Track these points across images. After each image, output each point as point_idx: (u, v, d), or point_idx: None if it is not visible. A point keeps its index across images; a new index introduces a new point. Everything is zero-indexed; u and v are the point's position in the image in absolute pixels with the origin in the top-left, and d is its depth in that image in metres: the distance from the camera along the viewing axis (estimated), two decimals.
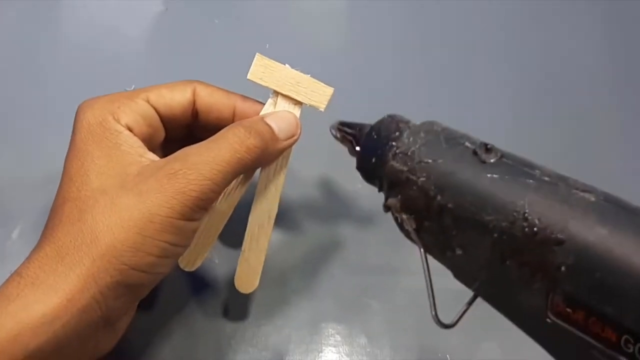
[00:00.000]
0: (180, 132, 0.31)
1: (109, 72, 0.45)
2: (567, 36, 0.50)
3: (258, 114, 0.31)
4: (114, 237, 0.24)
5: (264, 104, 0.31)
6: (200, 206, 0.26)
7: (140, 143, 0.28)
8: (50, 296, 0.23)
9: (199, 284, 0.36)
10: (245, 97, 0.31)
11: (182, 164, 0.26)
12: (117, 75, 0.45)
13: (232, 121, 0.31)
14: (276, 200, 0.32)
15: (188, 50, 0.47)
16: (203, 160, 0.26)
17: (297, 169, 0.37)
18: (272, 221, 0.32)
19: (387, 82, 0.47)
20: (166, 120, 0.30)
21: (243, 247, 0.32)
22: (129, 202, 0.25)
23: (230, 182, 0.28)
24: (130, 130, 0.28)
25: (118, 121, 0.28)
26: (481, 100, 0.47)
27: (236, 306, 0.35)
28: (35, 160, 0.41)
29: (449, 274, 0.38)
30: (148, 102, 0.29)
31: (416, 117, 0.45)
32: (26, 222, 0.38)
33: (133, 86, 0.44)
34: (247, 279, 0.32)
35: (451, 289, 0.37)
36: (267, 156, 0.29)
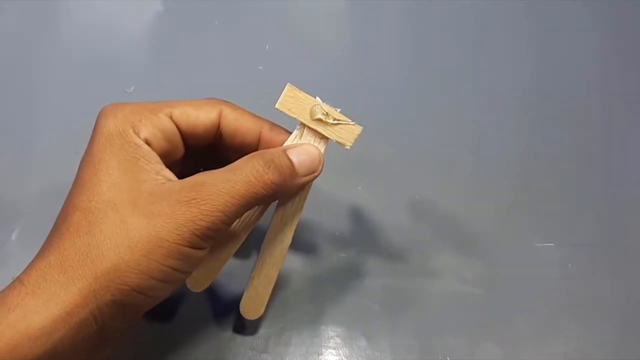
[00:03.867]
0: (201, 149, 0.31)
1: (109, 72, 0.45)
2: (568, 36, 0.50)
3: (284, 143, 0.30)
4: (120, 256, 0.24)
5: (291, 133, 0.30)
6: (209, 236, 0.26)
7: (157, 159, 0.27)
8: (50, 307, 0.23)
9: (205, 296, 0.36)
10: (272, 124, 0.31)
11: (197, 193, 0.25)
12: (117, 76, 0.45)
13: (257, 147, 0.30)
14: (291, 233, 0.31)
15: (188, 51, 0.47)
16: (217, 192, 0.26)
17: None
18: (285, 252, 0.31)
19: (387, 81, 0.47)
20: (187, 138, 0.30)
21: (252, 274, 0.32)
22: (139, 222, 0.25)
23: (243, 214, 0.27)
24: (148, 144, 0.27)
25: (138, 134, 0.27)
26: (484, 99, 0.46)
27: (236, 309, 0.35)
28: (35, 161, 0.40)
29: (449, 275, 0.38)
30: (171, 117, 0.29)
31: (416, 115, 0.45)
32: (26, 223, 0.38)
33: (132, 87, 0.44)
34: (254, 306, 0.32)
35: (453, 290, 0.38)
36: (284, 191, 0.29)
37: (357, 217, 0.40)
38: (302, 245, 0.39)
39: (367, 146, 0.42)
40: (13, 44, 0.46)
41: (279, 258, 0.31)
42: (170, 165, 0.28)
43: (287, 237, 0.31)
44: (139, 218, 0.25)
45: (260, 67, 0.46)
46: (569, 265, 0.39)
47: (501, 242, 0.40)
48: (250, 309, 0.32)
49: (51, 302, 0.23)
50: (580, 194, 0.43)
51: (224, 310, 0.36)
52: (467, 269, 0.39)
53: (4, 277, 0.36)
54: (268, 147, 0.30)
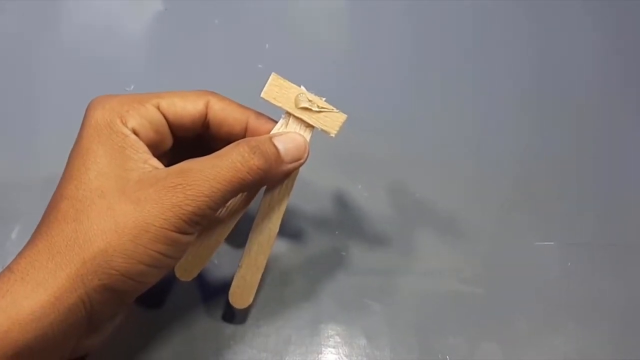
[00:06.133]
0: (189, 140, 0.31)
1: (109, 72, 0.45)
2: (568, 36, 0.50)
3: (270, 132, 0.30)
4: (107, 241, 0.25)
5: (277, 122, 0.31)
6: (195, 221, 0.26)
7: (145, 148, 0.28)
8: (39, 293, 0.24)
9: (198, 285, 0.36)
10: (258, 114, 0.31)
11: (183, 178, 0.26)
12: (117, 75, 0.45)
13: (244, 136, 0.30)
14: (278, 221, 0.31)
15: (188, 50, 0.47)
16: (203, 177, 0.26)
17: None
18: (272, 240, 0.32)
19: (387, 81, 0.47)
20: (175, 129, 0.30)
21: (240, 263, 0.32)
22: (126, 208, 0.25)
23: (229, 200, 0.28)
24: (136, 134, 0.28)
25: (125, 124, 0.28)
26: (484, 99, 0.46)
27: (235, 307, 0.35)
28: (35, 160, 0.41)
29: (448, 275, 0.38)
30: (158, 108, 0.29)
31: (416, 115, 0.45)
32: (25, 222, 0.38)
33: (132, 86, 0.44)
34: (242, 295, 0.32)
35: (452, 289, 0.38)
36: (270, 177, 0.29)
37: (357, 216, 0.40)
38: (301, 243, 0.39)
39: (367, 145, 0.42)
40: (13, 44, 0.46)
41: (266, 246, 0.32)
42: (159, 156, 0.28)
43: (274, 225, 0.31)
44: (126, 204, 0.25)
45: (260, 66, 0.46)
46: (569, 264, 0.39)
47: (501, 241, 0.40)
48: (238, 297, 0.32)
49: (40, 288, 0.24)
50: (580, 194, 0.43)
51: (223, 310, 0.36)
52: (467, 268, 0.39)
53: None
54: (254, 136, 0.30)
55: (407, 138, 0.44)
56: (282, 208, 0.31)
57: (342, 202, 0.40)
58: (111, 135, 0.27)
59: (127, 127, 0.28)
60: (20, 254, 0.25)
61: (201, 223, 0.27)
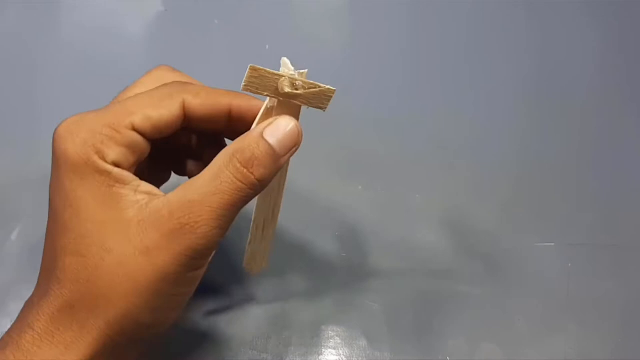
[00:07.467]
0: (168, 139, 0.29)
1: (109, 72, 0.45)
2: (568, 36, 0.50)
3: (256, 112, 0.29)
4: (130, 302, 0.24)
5: (260, 99, 0.29)
6: (207, 254, 0.26)
7: (131, 177, 0.26)
8: (69, 357, 0.23)
9: (198, 287, 0.36)
10: (241, 95, 0.29)
11: (188, 216, 0.24)
12: (117, 76, 0.44)
13: (229, 124, 0.29)
14: (280, 196, 0.31)
15: (188, 51, 0.47)
16: (209, 210, 0.25)
17: (298, 171, 0.37)
18: (277, 214, 0.32)
19: (387, 81, 0.47)
20: (153, 139, 0.28)
21: (249, 238, 0.32)
22: (138, 262, 0.24)
23: (235, 217, 0.27)
24: (118, 166, 0.26)
25: (104, 160, 0.25)
26: (484, 99, 0.46)
27: (236, 308, 0.35)
28: (35, 161, 0.40)
29: (449, 275, 0.38)
30: (133, 129, 0.26)
31: (416, 115, 0.45)
32: (26, 223, 0.38)
33: None
34: (256, 261, 0.33)
35: (453, 290, 0.38)
36: (272, 177, 0.28)
37: (357, 216, 0.40)
38: (302, 244, 0.39)
39: (367, 146, 0.42)
40: (13, 44, 0.46)
41: (273, 220, 0.32)
42: (139, 169, 0.27)
43: (277, 201, 0.31)
44: (136, 257, 0.24)
45: None
46: (569, 264, 0.39)
47: (501, 241, 0.40)
48: (253, 264, 0.33)
49: (69, 352, 0.23)
50: (580, 194, 0.43)
51: (223, 311, 0.36)
52: (467, 269, 0.39)
53: (4, 277, 0.36)
54: (241, 120, 0.29)
55: (407, 138, 0.44)
56: (283, 183, 0.31)
57: (342, 203, 0.40)
58: (94, 176, 0.25)
59: (107, 162, 0.25)
60: (38, 311, 0.24)
61: (214, 249, 0.26)
